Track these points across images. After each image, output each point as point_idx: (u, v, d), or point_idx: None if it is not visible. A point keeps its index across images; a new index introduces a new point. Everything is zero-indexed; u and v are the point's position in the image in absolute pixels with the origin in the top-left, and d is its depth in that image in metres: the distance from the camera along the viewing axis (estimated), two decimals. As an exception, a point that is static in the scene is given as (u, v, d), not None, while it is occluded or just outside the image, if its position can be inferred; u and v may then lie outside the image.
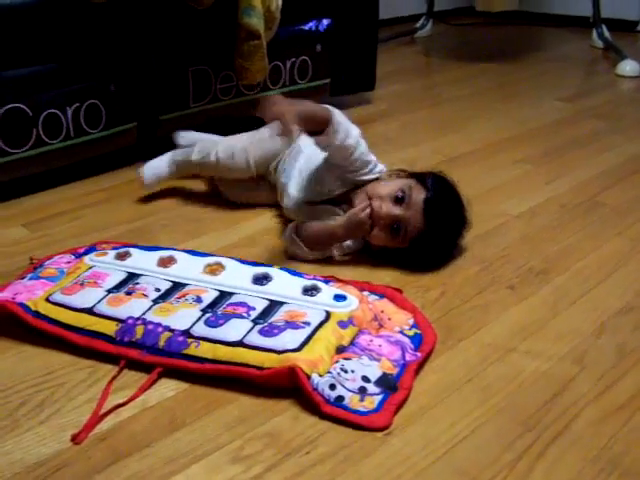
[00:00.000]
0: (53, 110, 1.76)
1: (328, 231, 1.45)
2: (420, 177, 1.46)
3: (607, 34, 3.48)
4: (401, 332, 1.19)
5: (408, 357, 1.13)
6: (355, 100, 2.56)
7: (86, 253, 1.42)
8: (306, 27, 2.27)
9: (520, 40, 3.90)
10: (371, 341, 1.16)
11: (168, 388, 1.09)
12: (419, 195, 1.40)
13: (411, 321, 1.22)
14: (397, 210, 1.39)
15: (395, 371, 1.09)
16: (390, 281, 1.38)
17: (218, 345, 1.12)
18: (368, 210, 1.40)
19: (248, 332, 1.14)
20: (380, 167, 1.54)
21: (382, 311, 1.24)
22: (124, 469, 0.93)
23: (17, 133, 1.71)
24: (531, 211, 1.71)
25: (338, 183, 1.52)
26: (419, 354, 1.14)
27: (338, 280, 1.32)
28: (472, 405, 1.05)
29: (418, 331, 1.20)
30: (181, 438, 0.99)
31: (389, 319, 1.23)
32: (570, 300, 1.33)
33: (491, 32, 4.08)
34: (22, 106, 1.70)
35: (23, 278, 1.34)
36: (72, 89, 1.79)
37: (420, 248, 1.41)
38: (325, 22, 2.31)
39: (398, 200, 1.40)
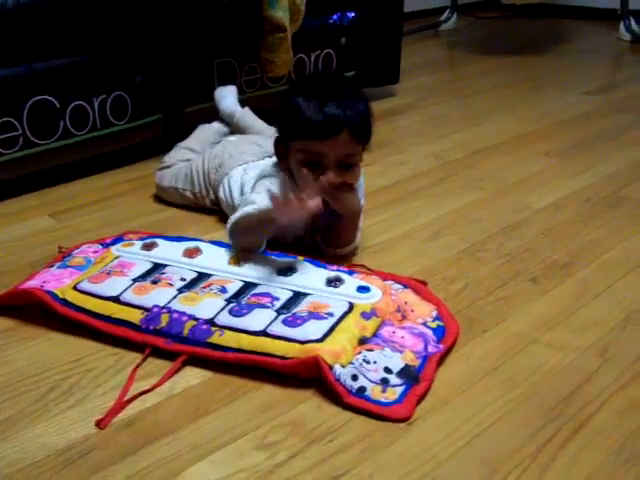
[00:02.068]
0: (80, 102, 1.78)
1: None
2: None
3: (635, 26, 3.45)
4: (424, 324, 1.19)
5: (430, 349, 1.13)
6: (379, 93, 2.56)
7: (113, 243, 1.44)
8: (331, 20, 2.28)
9: (546, 33, 3.87)
10: (394, 332, 1.16)
11: (193, 376, 1.10)
12: None
13: (434, 313, 1.22)
14: (332, 175, 1.33)
15: (417, 363, 1.09)
16: (414, 272, 1.38)
17: (242, 334, 1.12)
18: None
19: (272, 322, 1.15)
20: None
21: (405, 302, 1.24)
22: (150, 454, 0.95)
23: (44, 125, 1.74)
24: (556, 204, 1.71)
25: None
26: (441, 346, 1.14)
27: (362, 271, 1.32)
28: (495, 396, 1.05)
29: (441, 323, 1.19)
30: (206, 425, 1.00)
31: (412, 311, 1.22)
32: (594, 293, 1.33)
33: (516, 25, 4.06)
34: (50, 98, 1.72)
35: (52, 267, 1.36)
36: (98, 81, 1.81)
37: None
38: (350, 15, 2.32)
39: (316, 166, 1.33)
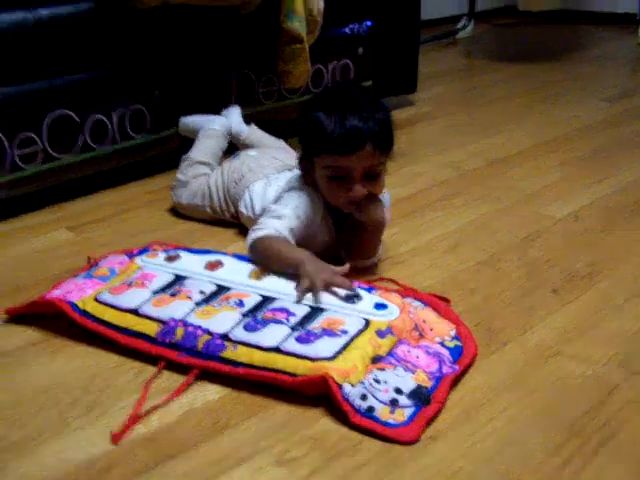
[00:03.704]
0: (99, 116, 1.79)
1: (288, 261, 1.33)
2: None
3: (655, 31, 3.43)
4: (441, 343, 1.17)
5: (445, 370, 1.10)
6: (397, 102, 2.56)
7: (139, 254, 1.44)
8: (348, 30, 2.28)
9: (564, 39, 3.86)
10: (409, 352, 1.14)
11: (213, 391, 1.10)
12: None
13: (453, 332, 1.20)
14: (359, 188, 1.34)
15: (430, 384, 1.07)
16: (434, 283, 1.38)
17: (254, 350, 1.12)
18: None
19: (285, 338, 1.14)
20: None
21: (424, 320, 1.22)
22: (169, 471, 0.95)
23: (64, 139, 1.75)
24: (575, 214, 1.69)
25: None
26: (457, 367, 1.12)
27: (381, 287, 1.32)
28: (516, 409, 1.04)
29: (459, 343, 1.17)
30: (226, 440, 1.00)
31: (431, 329, 1.20)
32: (616, 304, 1.31)
33: (534, 32, 4.05)
34: (69, 112, 1.73)
35: (77, 276, 1.37)
36: (117, 95, 1.82)
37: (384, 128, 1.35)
38: (367, 25, 2.32)
39: (342, 179, 1.34)
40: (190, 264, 1.38)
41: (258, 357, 1.11)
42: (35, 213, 1.78)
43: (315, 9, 1.99)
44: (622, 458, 0.95)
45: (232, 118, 1.93)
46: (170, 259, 1.40)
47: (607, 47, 3.63)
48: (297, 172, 1.47)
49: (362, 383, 1.06)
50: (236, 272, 1.35)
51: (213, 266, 1.37)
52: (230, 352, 1.13)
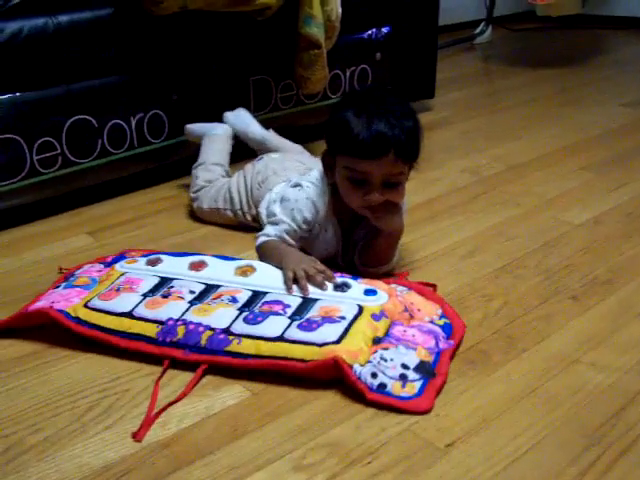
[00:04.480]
0: (117, 121, 1.80)
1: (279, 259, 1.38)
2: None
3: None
4: (431, 322, 1.23)
5: (442, 345, 1.17)
6: (415, 108, 2.53)
7: (115, 261, 1.45)
8: (366, 35, 2.28)
9: (583, 44, 3.84)
10: (405, 331, 1.19)
11: (230, 396, 1.10)
12: None
13: (439, 311, 1.26)
14: (376, 195, 1.33)
15: (431, 358, 1.14)
16: (452, 290, 1.38)
17: (260, 341, 1.14)
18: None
19: (287, 328, 1.17)
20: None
21: (412, 303, 1.28)
22: (186, 476, 0.95)
23: (83, 144, 1.76)
24: (595, 220, 1.68)
25: None
26: (452, 342, 1.18)
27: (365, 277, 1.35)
28: (535, 417, 1.03)
29: (447, 320, 1.24)
30: (243, 446, 1.00)
31: (419, 310, 1.27)
32: (636, 311, 1.30)
33: (552, 37, 4.03)
34: (88, 117, 1.74)
35: (57, 287, 1.37)
36: (135, 100, 1.83)
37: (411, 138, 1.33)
38: (384, 30, 2.32)
39: (361, 183, 1.33)
40: (173, 266, 1.39)
41: (265, 347, 1.13)
42: (54, 218, 1.79)
43: (333, 15, 1.99)
44: (643, 467, 0.94)
45: (252, 126, 1.92)
46: (151, 263, 1.41)
47: (627, 52, 3.60)
48: (315, 173, 1.47)
49: (370, 362, 1.11)
50: (221, 271, 1.37)
51: (197, 267, 1.39)
52: (235, 345, 1.15)
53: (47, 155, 1.70)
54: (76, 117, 1.72)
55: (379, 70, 2.32)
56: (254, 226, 1.64)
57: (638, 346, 1.19)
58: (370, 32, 2.29)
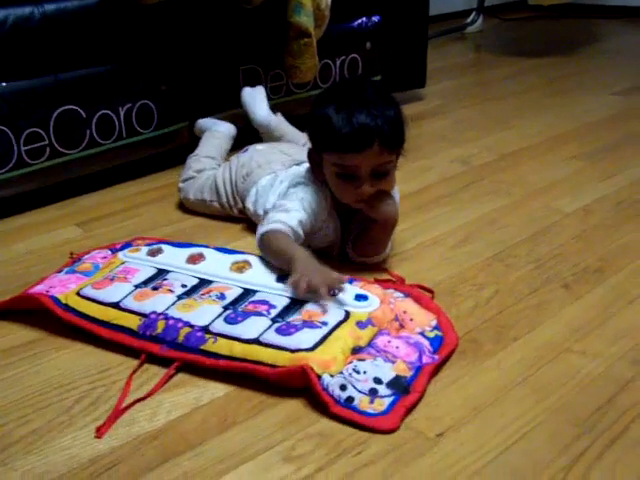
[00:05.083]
0: (106, 111, 1.78)
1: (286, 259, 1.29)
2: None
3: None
4: (421, 333, 1.17)
5: (425, 359, 1.11)
6: (406, 97, 2.54)
7: (122, 249, 1.45)
8: (356, 25, 2.27)
9: (574, 33, 3.83)
10: (389, 342, 1.14)
11: (219, 388, 1.09)
12: None
13: (434, 322, 1.20)
14: (367, 187, 1.32)
15: (410, 374, 1.08)
16: (443, 279, 1.37)
17: (235, 342, 1.12)
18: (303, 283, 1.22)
19: (265, 330, 1.15)
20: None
21: (404, 311, 1.22)
22: (176, 467, 0.94)
23: (71, 134, 1.75)
24: (586, 209, 1.68)
25: None
26: (437, 357, 1.12)
27: (362, 279, 1.31)
28: (526, 406, 1.03)
29: (439, 333, 1.18)
30: (232, 437, 0.99)
31: (411, 320, 1.21)
32: (627, 299, 1.30)
33: (544, 26, 4.02)
34: (76, 107, 1.73)
35: (60, 272, 1.38)
36: (124, 90, 1.81)
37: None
38: (374, 19, 2.31)
39: (350, 178, 1.33)
40: (172, 258, 1.39)
41: (238, 349, 1.11)
42: (43, 209, 1.79)
43: (323, 3, 1.98)
44: (633, 455, 0.93)
45: (260, 109, 1.92)
46: (152, 253, 1.41)
47: (618, 41, 3.60)
48: (305, 167, 1.46)
49: (341, 373, 1.06)
50: (217, 265, 1.36)
51: (195, 259, 1.38)
52: (211, 344, 1.13)
53: (35, 146, 1.69)
54: (64, 107, 1.71)
55: (369, 59, 2.31)
56: (242, 217, 1.63)
57: (629, 334, 1.19)
58: (360, 21, 2.28)
